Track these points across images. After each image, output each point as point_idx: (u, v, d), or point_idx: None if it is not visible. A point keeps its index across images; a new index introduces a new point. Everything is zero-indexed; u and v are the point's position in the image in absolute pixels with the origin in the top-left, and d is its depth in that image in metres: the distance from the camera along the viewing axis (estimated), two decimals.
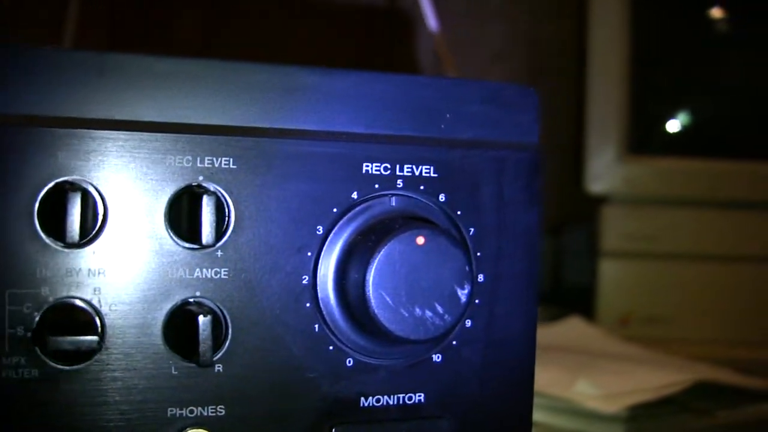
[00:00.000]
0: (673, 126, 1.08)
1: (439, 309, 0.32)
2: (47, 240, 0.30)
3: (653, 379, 0.70)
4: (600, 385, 0.66)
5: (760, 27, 1.07)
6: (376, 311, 0.32)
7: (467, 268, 0.33)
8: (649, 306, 1.03)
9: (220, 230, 0.32)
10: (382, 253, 0.32)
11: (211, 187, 0.32)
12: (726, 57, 1.08)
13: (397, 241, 0.32)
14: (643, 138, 1.05)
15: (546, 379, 0.69)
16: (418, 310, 0.32)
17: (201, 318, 0.31)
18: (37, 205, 0.30)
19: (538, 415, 0.65)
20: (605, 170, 1.02)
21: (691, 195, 1.03)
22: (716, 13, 1.08)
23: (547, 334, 0.91)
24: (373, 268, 0.31)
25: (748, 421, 0.67)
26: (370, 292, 0.31)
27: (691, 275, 1.03)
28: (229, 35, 1.06)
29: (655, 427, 0.65)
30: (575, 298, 1.11)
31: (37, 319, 0.30)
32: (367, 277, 0.31)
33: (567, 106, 1.17)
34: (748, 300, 1.02)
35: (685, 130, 1.08)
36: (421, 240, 0.32)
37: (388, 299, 0.32)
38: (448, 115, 0.35)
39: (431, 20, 0.69)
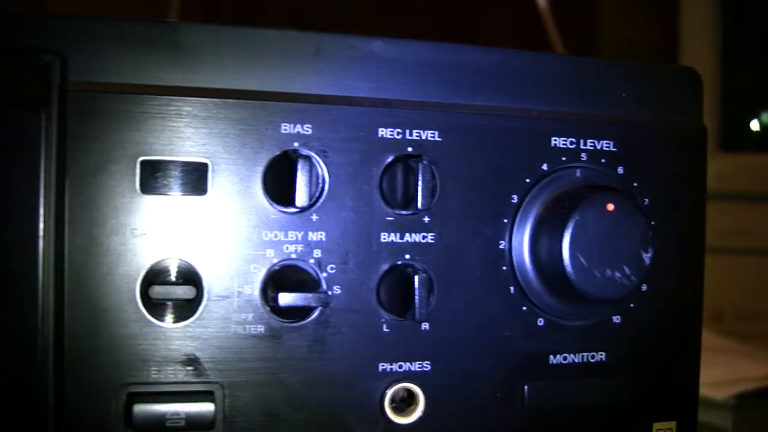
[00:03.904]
0: (763, 123, 1.09)
1: (627, 270, 0.35)
2: (273, 205, 0.33)
3: (755, 370, 0.71)
4: (706, 374, 0.67)
5: None
6: (571, 272, 0.34)
7: (650, 233, 0.35)
8: (743, 302, 1.04)
9: (431, 197, 0.34)
10: (577, 217, 0.34)
11: (421, 157, 0.34)
12: None
13: (590, 207, 0.34)
14: (733, 135, 1.06)
15: None
16: (608, 271, 0.34)
17: (417, 277, 0.33)
18: (263, 172, 0.33)
19: None
20: None
21: None
22: None
23: None
24: (570, 231, 0.34)
25: None
26: (567, 253, 0.34)
27: None
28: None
29: (760, 416, 0.66)
30: None
31: (263, 278, 0.33)
32: (564, 240, 0.34)
33: None
34: None
35: None
36: (611, 206, 0.34)
37: (582, 260, 0.34)
38: (623, 95, 0.38)
39: None
